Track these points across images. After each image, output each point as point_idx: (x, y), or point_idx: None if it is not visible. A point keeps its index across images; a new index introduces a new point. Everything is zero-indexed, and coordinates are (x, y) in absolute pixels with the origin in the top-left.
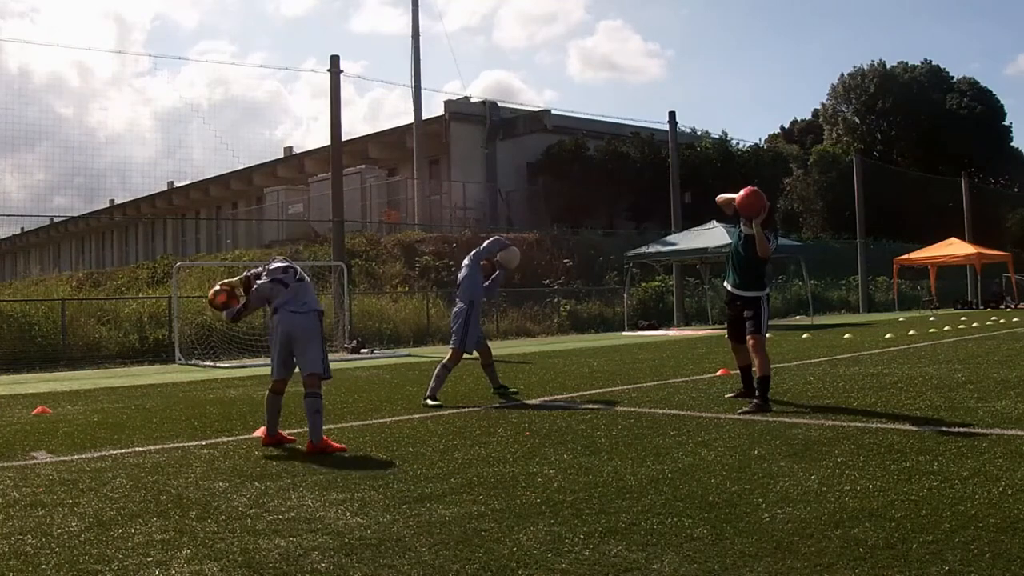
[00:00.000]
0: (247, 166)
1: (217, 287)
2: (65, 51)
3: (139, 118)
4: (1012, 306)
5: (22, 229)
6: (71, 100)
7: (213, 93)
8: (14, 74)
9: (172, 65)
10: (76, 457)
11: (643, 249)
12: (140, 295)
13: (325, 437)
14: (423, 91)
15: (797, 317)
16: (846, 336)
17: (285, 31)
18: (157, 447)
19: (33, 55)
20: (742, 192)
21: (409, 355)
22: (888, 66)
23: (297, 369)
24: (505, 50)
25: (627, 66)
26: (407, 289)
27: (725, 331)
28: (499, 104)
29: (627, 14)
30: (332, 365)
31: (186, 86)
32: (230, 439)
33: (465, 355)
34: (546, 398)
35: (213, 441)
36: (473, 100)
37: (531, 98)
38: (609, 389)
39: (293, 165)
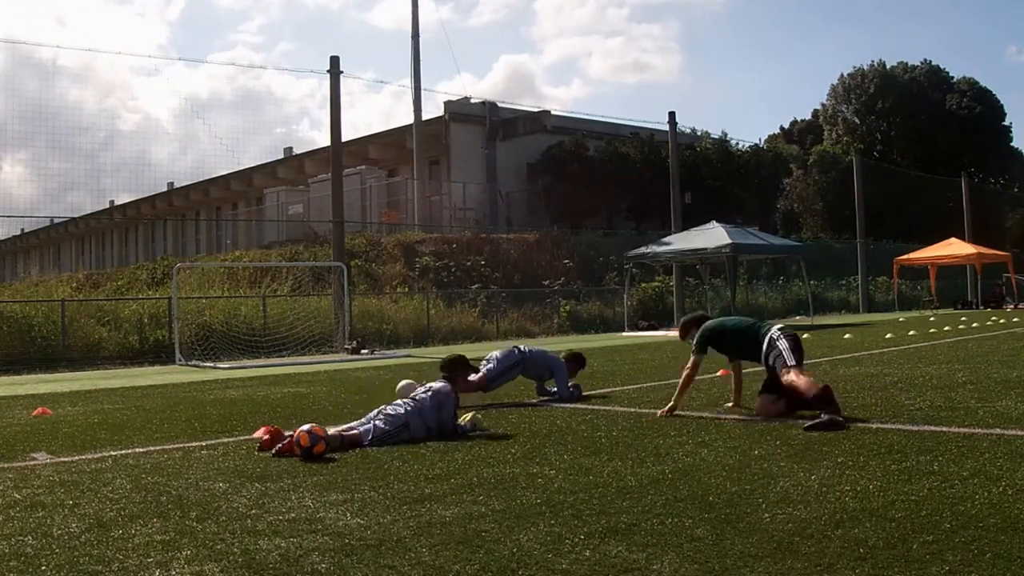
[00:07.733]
0: (247, 167)
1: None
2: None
3: (155, 114)
4: (1012, 306)
5: (22, 230)
6: (87, 94)
7: (234, 88)
8: (45, 65)
9: (190, 62)
10: (76, 458)
11: (643, 249)
12: (140, 296)
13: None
14: (426, 91)
15: (797, 317)
16: (846, 336)
17: (308, 23)
18: (157, 448)
19: (56, 50)
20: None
21: (409, 356)
22: (888, 66)
23: None
24: (521, 45)
25: (635, 65)
26: (407, 290)
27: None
28: (499, 104)
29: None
30: (332, 366)
31: (208, 80)
32: (230, 440)
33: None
34: (546, 398)
35: (213, 442)
36: (473, 100)
37: (547, 93)
38: (609, 389)
39: (293, 166)
